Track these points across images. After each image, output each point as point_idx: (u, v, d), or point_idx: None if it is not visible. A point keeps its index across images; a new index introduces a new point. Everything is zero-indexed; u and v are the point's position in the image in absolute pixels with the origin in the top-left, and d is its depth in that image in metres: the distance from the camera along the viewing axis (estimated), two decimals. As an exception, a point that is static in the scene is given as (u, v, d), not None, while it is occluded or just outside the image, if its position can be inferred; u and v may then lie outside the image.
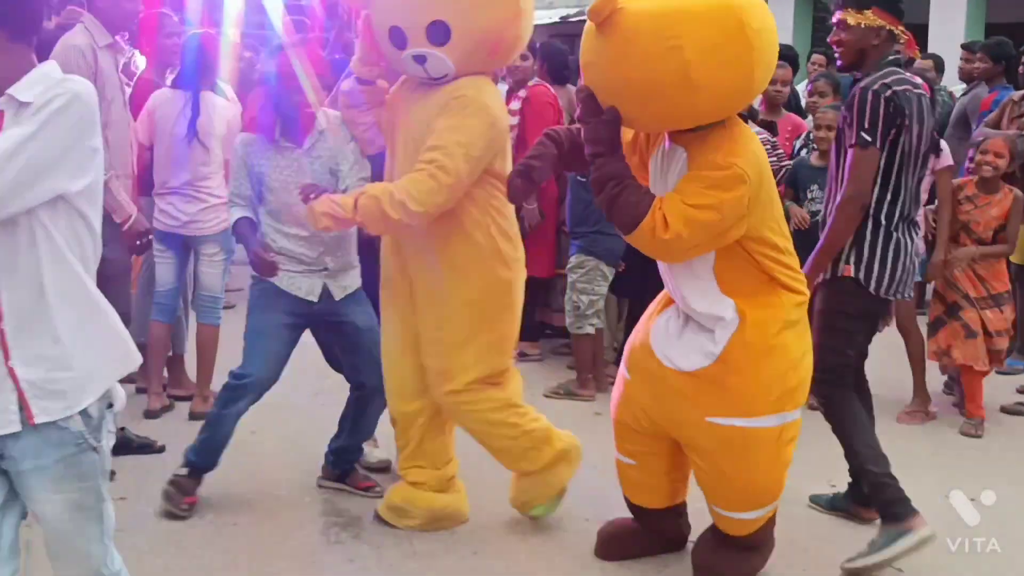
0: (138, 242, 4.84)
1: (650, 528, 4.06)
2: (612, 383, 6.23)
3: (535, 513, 4.30)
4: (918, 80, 4.24)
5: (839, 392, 4.20)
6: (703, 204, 3.36)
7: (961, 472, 5.04)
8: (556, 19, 19.03)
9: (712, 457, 3.66)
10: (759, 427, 3.58)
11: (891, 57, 4.15)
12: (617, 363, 6.45)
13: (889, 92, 4.03)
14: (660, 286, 3.91)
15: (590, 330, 6.07)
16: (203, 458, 4.35)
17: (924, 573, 3.97)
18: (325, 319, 4.43)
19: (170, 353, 5.77)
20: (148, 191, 5.47)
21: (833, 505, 4.53)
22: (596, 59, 3.46)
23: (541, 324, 7.04)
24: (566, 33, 18.65)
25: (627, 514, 4.20)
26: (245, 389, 4.27)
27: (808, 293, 3.70)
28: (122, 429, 4.99)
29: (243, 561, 3.92)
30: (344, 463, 4.62)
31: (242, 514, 4.34)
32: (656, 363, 3.71)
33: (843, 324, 4.20)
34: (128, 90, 5.89)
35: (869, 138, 4.02)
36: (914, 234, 4.23)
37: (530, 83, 6.67)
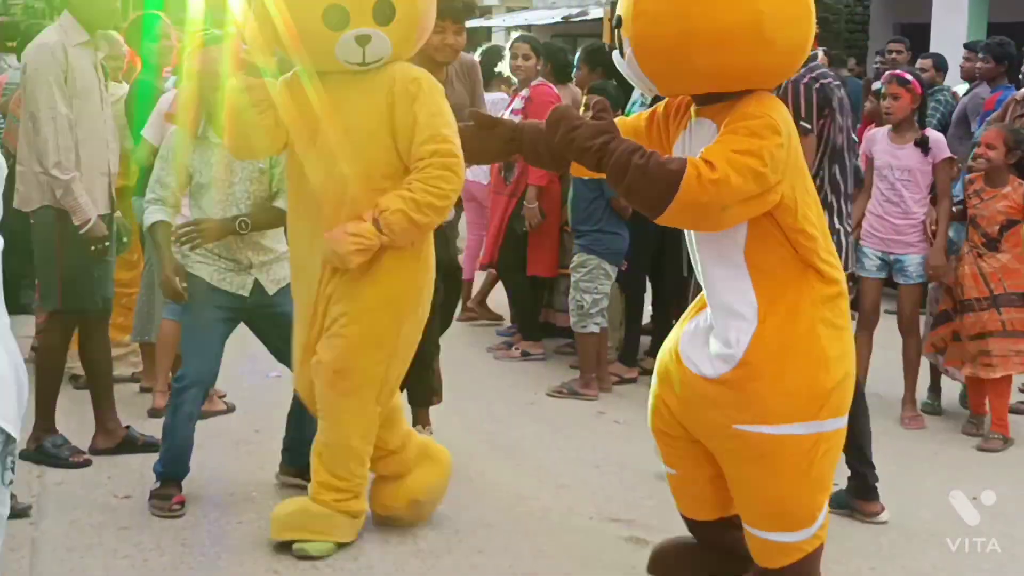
0: (93, 248, 4.70)
1: (707, 544, 3.75)
2: (617, 382, 6.31)
3: (299, 546, 3.96)
4: (835, 74, 4.47)
5: None
6: (745, 149, 3.12)
7: (963, 472, 5.05)
8: (558, 19, 19.04)
9: (739, 467, 3.41)
10: (785, 435, 3.28)
11: (811, 52, 4.24)
12: (622, 361, 6.52)
13: (817, 84, 4.32)
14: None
15: (595, 328, 6.08)
16: (171, 467, 4.36)
17: (924, 573, 3.98)
18: (260, 311, 4.45)
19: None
20: None
21: (836, 502, 4.53)
22: (652, 7, 3.24)
23: (544, 324, 7.06)
24: (568, 33, 18.68)
25: (630, 514, 4.23)
26: (187, 390, 4.30)
27: (843, 280, 3.41)
28: (127, 427, 5.01)
29: (248, 558, 3.94)
30: (299, 457, 4.47)
31: (247, 512, 4.35)
32: (684, 369, 3.49)
33: None
34: (125, 89, 5.93)
35: (808, 125, 4.25)
36: (837, 221, 4.35)
37: (533, 82, 6.70)
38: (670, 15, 3.21)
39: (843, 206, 4.41)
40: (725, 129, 3.22)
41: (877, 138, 5.80)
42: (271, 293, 4.45)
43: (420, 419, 5.00)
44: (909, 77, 5.67)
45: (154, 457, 4.44)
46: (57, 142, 4.57)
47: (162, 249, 4.46)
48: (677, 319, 6.47)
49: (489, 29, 21.06)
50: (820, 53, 6.38)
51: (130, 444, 4.94)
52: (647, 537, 4.21)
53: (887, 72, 5.86)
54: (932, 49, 10.58)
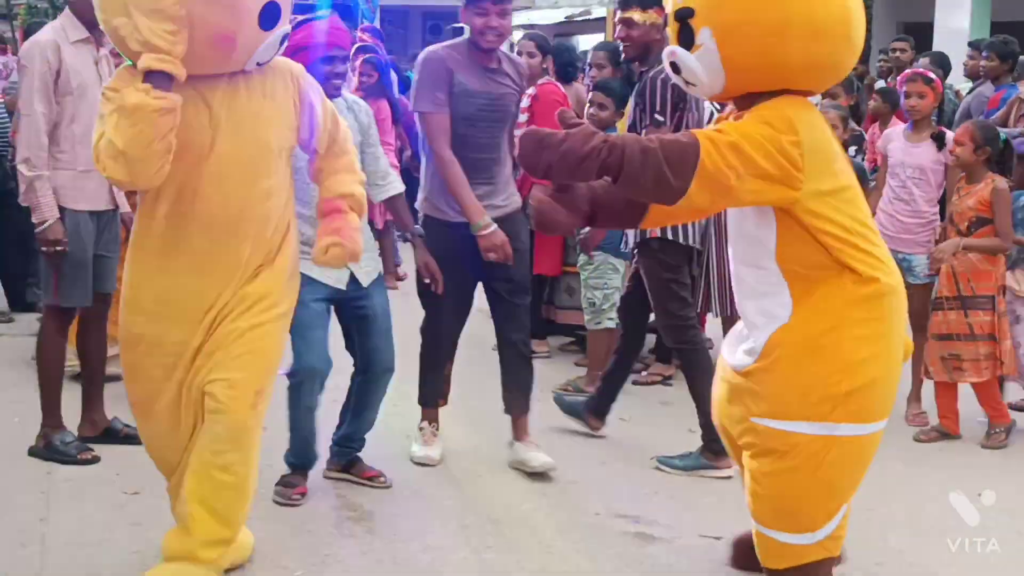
0: (44, 249, 4.63)
1: None
2: (659, 381, 6.28)
3: (161, 569, 3.60)
4: None
5: (693, 355, 4.88)
6: (754, 130, 3.09)
7: (969, 469, 5.06)
8: (561, 19, 19.07)
9: (752, 460, 3.35)
10: (794, 432, 3.22)
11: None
12: (660, 361, 6.50)
13: (672, 80, 4.23)
14: None
15: (609, 324, 6.07)
16: (300, 458, 4.48)
17: (924, 573, 3.98)
18: (351, 304, 4.46)
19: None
20: None
21: (686, 466, 4.85)
22: None
23: (548, 322, 7.08)
24: (571, 32, 18.70)
25: (636, 509, 4.23)
26: (301, 385, 4.34)
27: (885, 279, 3.26)
28: (112, 419, 5.04)
29: (257, 554, 3.95)
30: (348, 453, 4.66)
31: (256, 508, 4.35)
32: (724, 365, 3.52)
33: (669, 287, 4.84)
34: None
35: (661, 118, 4.68)
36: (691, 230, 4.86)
37: (539, 81, 6.71)
38: (767, 3, 3.14)
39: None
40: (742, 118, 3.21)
41: (893, 136, 5.84)
42: (365, 285, 4.45)
43: (427, 416, 5.02)
44: (932, 75, 5.70)
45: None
46: (28, 139, 4.61)
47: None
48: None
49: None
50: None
51: (112, 435, 4.98)
52: (653, 532, 4.24)
53: (908, 71, 5.88)
54: (935, 48, 10.60)
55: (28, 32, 7.42)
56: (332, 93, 4.32)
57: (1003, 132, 5.78)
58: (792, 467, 3.25)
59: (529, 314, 4.99)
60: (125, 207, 5.01)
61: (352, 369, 4.65)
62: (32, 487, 4.51)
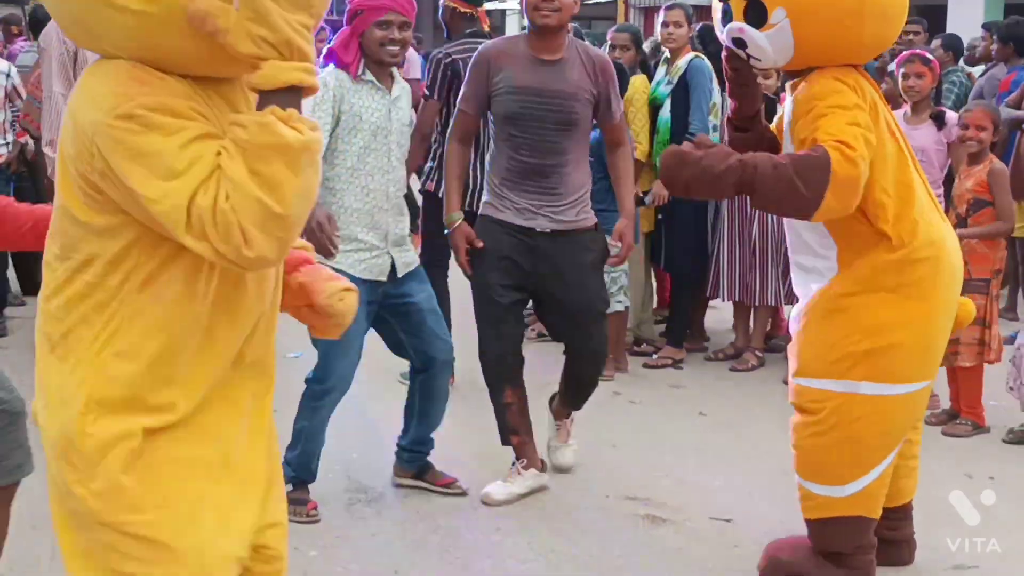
0: None
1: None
2: (669, 364, 6.25)
3: None
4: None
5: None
6: (851, 120, 3.21)
7: (972, 466, 5.03)
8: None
9: (795, 416, 3.55)
10: (820, 390, 3.42)
11: (469, 31, 5.60)
12: (636, 344, 6.53)
13: (449, 59, 5.33)
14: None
15: (619, 307, 6.02)
16: (302, 472, 4.15)
17: (924, 573, 3.94)
18: (392, 302, 4.18)
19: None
20: None
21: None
22: None
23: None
24: (582, 16, 18.62)
25: (646, 492, 4.22)
26: (329, 393, 4.11)
27: (920, 245, 3.37)
28: None
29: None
30: (419, 458, 4.42)
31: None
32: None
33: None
34: None
35: (429, 93, 5.35)
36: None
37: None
38: None
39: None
40: (798, 106, 3.34)
41: None
42: (400, 275, 4.17)
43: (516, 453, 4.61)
44: (930, 56, 5.67)
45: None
46: (51, 121, 4.63)
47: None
48: (693, 306, 6.59)
49: (503, 12, 21.03)
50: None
51: None
52: (663, 515, 4.25)
53: (906, 52, 5.86)
54: (949, 30, 10.53)
55: (34, 15, 7.41)
56: (387, 61, 4.06)
57: (1011, 113, 5.72)
58: (818, 422, 3.44)
59: (601, 331, 4.47)
60: None
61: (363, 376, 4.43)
62: (45, 498, 4.52)
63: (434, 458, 4.47)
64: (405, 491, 4.43)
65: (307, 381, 4.16)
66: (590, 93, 4.20)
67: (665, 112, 6.26)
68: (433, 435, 4.45)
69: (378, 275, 4.11)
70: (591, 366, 4.51)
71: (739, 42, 3.41)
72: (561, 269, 4.27)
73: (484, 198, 4.41)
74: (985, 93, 7.61)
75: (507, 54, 4.22)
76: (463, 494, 4.38)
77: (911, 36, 9.07)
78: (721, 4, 3.48)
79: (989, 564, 3.92)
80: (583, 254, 4.29)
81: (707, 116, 6.17)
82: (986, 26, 8.77)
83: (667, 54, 6.40)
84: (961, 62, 8.71)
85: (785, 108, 3.56)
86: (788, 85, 3.56)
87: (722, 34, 3.51)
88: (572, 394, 4.61)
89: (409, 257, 4.24)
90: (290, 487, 3.97)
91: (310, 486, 4.19)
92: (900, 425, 3.48)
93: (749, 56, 3.45)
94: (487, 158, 4.46)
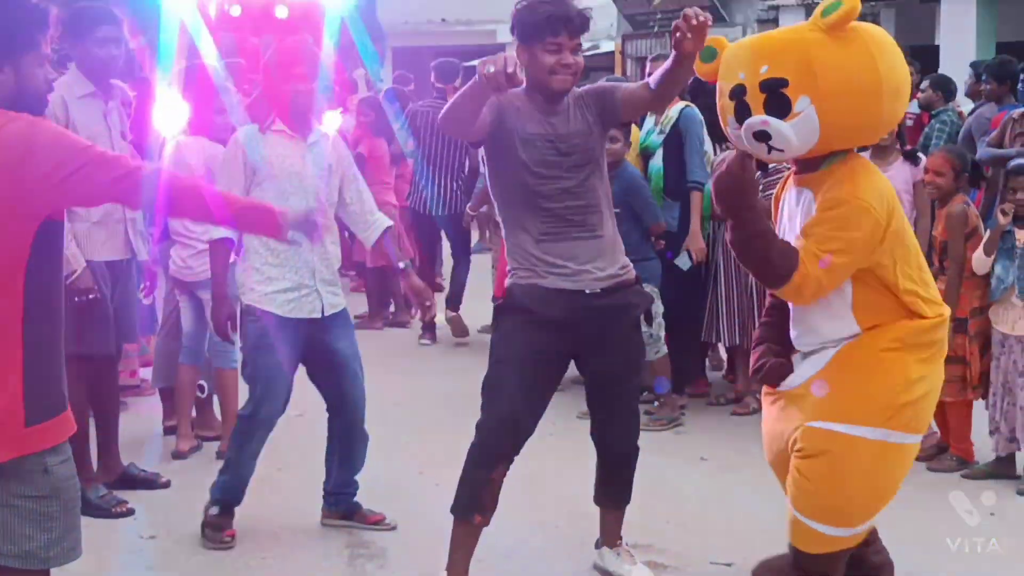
0: (76, 299, 4.60)
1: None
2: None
3: None
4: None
5: None
6: (834, 249, 3.37)
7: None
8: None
9: (803, 460, 3.52)
10: (858, 436, 3.45)
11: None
12: (674, 392, 6.46)
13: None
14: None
15: (657, 355, 6.02)
16: (228, 495, 4.46)
17: (924, 573, 3.97)
18: (319, 340, 4.37)
19: (203, 395, 5.86)
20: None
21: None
22: (841, 60, 3.37)
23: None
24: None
25: (648, 539, 4.20)
26: (257, 431, 4.37)
27: (944, 312, 3.59)
28: (128, 465, 5.10)
29: None
30: (345, 499, 4.63)
31: (270, 548, 4.41)
32: (773, 392, 3.71)
33: None
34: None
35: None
36: None
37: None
38: (862, 66, 3.39)
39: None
40: (820, 213, 3.42)
41: None
42: (326, 315, 4.36)
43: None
44: None
45: (179, 497, 4.50)
46: None
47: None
48: (691, 348, 6.59)
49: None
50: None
51: (128, 480, 5.03)
52: (665, 562, 4.27)
53: None
54: (941, 70, 10.63)
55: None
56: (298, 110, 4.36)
57: (991, 152, 5.73)
58: (850, 467, 3.47)
59: (637, 414, 4.29)
60: (143, 255, 5.08)
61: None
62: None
63: (435, 477, 4.50)
64: (405, 542, 4.43)
65: (238, 417, 4.41)
66: (595, 125, 3.98)
67: (657, 160, 6.34)
68: (357, 478, 4.61)
69: (309, 313, 4.31)
70: (625, 438, 4.21)
71: (762, 135, 3.43)
72: (606, 332, 4.01)
73: (518, 274, 3.99)
74: (974, 131, 7.68)
75: (513, 105, 3.91)
76: (393, 528, 4.54)
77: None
78: (733, 102, 3.49)
79: (989, 564, 3.92)
80: (629, 312, 4.07)
81: (704, 163, 6.24)
82: (973, 65, 8.84)
83: None
84: (955, 100, 8.78)
85: (792, 196, 3.62)
86: (794, 179, 3.61)
87: (737, 130, 3.50)
88: (609, 479, 4.27)
89: (336, 300, 4.43)
90: (216, 510, 4.40)
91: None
92: (908, 470, 3.62)
93: (771, 148, 3.46)
94: (506, 247, 4.14)
